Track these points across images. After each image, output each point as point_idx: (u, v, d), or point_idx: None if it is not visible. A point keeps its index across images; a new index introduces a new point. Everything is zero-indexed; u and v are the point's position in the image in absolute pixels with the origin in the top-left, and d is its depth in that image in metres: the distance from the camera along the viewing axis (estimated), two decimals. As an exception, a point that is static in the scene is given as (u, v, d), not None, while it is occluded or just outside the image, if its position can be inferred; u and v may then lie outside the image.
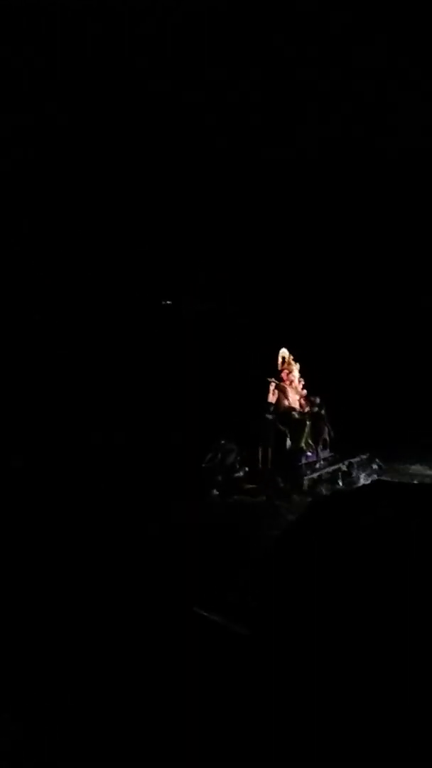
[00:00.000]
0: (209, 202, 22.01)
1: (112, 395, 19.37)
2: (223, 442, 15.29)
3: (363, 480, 15.03)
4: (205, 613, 7.46)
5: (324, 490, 14.39)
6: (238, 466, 15.03)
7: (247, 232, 22.57)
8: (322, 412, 16.46)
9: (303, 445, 15.75)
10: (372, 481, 13.13)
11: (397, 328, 22.18)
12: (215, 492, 14.22)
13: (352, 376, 21.05)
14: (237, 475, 14.95)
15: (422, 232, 22.17)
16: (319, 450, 16.22)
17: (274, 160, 21.26)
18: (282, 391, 16.12)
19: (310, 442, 16.08)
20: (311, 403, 16.49)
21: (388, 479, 14.40)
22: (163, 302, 21.95)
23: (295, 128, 20.81)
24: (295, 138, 20.96)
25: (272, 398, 15.87)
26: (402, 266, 22.54)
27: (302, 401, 16.47)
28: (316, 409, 16.35)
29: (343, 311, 22.79)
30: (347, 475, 15.52)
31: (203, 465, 14.82)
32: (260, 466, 15.14)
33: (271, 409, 15.63)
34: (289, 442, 15.43)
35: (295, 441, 15.65)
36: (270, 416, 15.54)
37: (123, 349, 20.47)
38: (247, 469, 15.01)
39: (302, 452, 15.59)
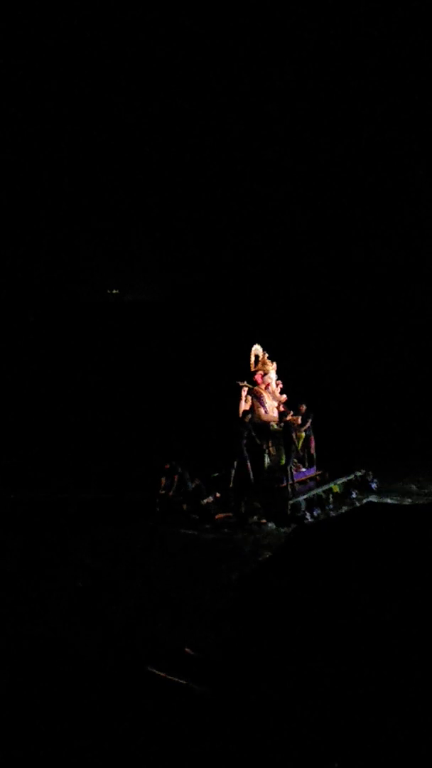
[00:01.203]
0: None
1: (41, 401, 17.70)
2: (173, 463, 13.92)
3: (357, 502, 13.69)
4: (160, 673, 6.75)
5: (310, 515, 12.81)
6: (204, 491, 13.53)
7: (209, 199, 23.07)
8: (308, 422, 14.89)
9: (284, 462, 14.01)
10: (365, 504, 11.46)
11: (397, 322, 21.52)
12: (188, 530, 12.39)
13: (342, 377, 19.74)
14: (206, 501, 13.43)
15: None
16: (303, 468, 14.70)
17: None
18: (257, 398, 14.43)
19: (293, 459, 14.26)
20: (293, 412, 14.79)
21: (385, 501, 13.59)
22: (109, 291, 20.32)
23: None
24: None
25: (245, 406, 14.17)
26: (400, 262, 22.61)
27: (282, 409, 14.75)
28: (299, 418, 14.68)
29: (331, 299, 22.12)
30: (341, 497, 14.19)
31: (161, 492, 13.39)
32: (231, 488, 13.44)
33: (246, 419, 13.77)
34: (267, 460, 13.84)
35: (275, 457, 14.06)
36: (242, 428, 13.68)
37: (52, 345, 18.77)
38: (217, 494, 13.54)
39: (284, 471, 13.87)
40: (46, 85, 21.34)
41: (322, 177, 22.54)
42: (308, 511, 12.80)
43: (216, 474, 14.19)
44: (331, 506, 13.48)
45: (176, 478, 13.54)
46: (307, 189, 22.84)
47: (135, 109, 22.24)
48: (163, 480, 13.54)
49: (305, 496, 13.25)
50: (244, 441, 13.47)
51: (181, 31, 20.70)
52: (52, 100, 21.54)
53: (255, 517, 12.80)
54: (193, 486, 13.58)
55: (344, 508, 13.06)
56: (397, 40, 20.34)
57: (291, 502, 12.83)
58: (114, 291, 21.11)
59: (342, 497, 14.19)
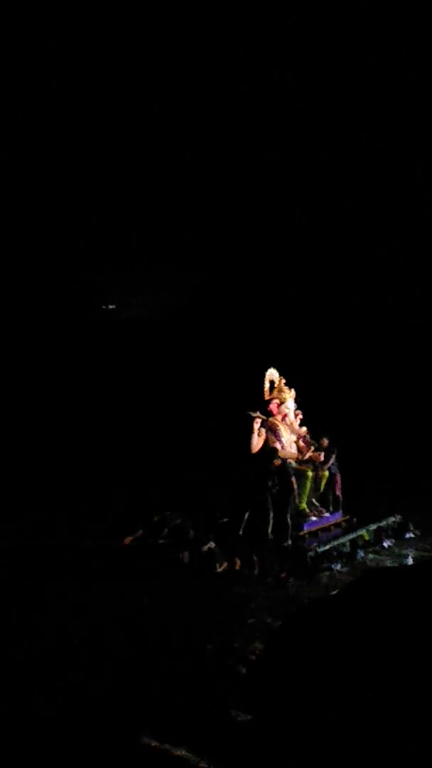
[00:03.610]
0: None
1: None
2: (168, 513, 13.97)
3: (394, 552, 13.50)
4: (161, 745, 6.64)
5: (337, 568, 12.50)
6: (207, 539, 13.21)
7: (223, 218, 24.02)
8: (332, 459, 14.60)
9: (305, 505, 13.92)
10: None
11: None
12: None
13: (373, 406, 19.51)
14: (207, 547, 13.10)
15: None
16: (326, 512, 14.41)
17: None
18: (272, 431, 14.09)
19: (314, 501, 14.33)
20: (315, 447, 14.59)
21: (422, 553, 13.31)
22: (104, 306, 20.35)
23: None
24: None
25: (258, 441, 13.81)
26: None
27: (301, 444, 14.53)
28: (321, 454, 14.46)
29: (358, 313, 22.40)
30: (372, 546, 13.91)
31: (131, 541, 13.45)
32: (242, 535, 13.26)
33: (275, 463, 13.50)
34: (291, 502, 13.44)
35: (294, 500, 13.62)
36: (266, 475, 13.48)
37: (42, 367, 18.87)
38: (213, 544, 13.13)
39: (304, 516, 13.76)
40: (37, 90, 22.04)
41: (328, 189, 23.86)
42: (331, 564, 12.54)
43: (224, 520, 13.90)
44: (360, 557, 13.18)
45: (166, 529, 13.51)
46: (311, 197, 24.10)
47: (135, 122, 23.06)
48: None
49: (328, 546, 13.03)
50: (269, 488, 13.23)
51: (181, 30, 21.91)
52: (46, 112, 22.24)
53: (271, 568, 12.49)
54: (194, 534, 13.38)
55: (370, 557, 12.98)
56: (397, 40, 21.47)
57: (311, 554, 12.56)
58: (111, 306, 21.02)
59: (373, 547, 13.85)
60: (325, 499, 14.58)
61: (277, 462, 13.30)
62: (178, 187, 23.46)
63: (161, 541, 13.35)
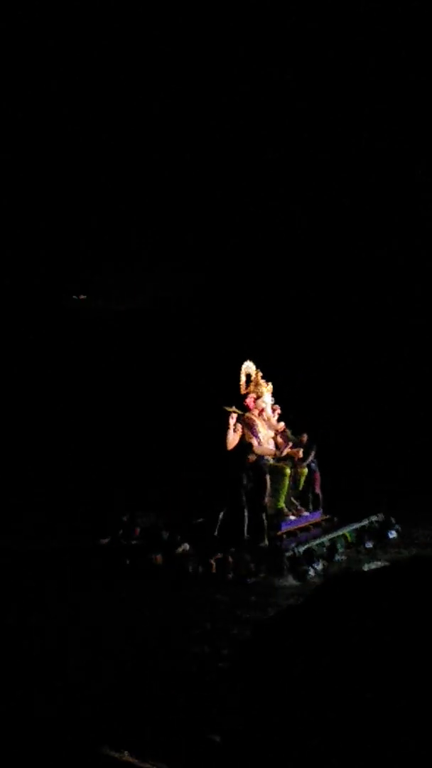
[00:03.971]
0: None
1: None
2: (137, 512, 13.88)
3: (378, 554, 13.33)
4: (122, 757, 6.26)
5: (314, 570, 12.18)
6: (179, 538, 13.03)
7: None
8: (311, 455, 14.39)
9: (283, 504, 13.61)
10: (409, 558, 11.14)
11: (425, 332, 21.64)
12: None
13: (355, 400, 19.40)
14: (181, 550, 12.91)
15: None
16: (305, 512, 14.17)
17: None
18: (248, 426, 13.81)
19: (293, 500, 14.03)
20: (294, 443, 14.36)
21: (404, 553, 13.08)
22: (75, 296, 20.18)
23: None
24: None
25: (233, 437, 13.48)
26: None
27: (279, 440, 14.31)
28: (300, 450, 14.21)
29: (337, 307, 22.24)
30: (354, 546, 13.76)
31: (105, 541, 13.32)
32: (216, 536, 13.06)
33: (249, 459, 13.37)
34: (265, 500, 13.20)
35: (272, 498, 13.44)
36: (240, 471, 13.30)
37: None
38: (187, 546, 12.98)
39: (282, 515, 13.48)
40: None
41: (328, 189, 24.18)
42: (310, 565, 12.21)
43: (200, 520, 13.71)
44: (339, 557, 12.94)
45: (137, 530, 13.34)
46: (311, 197, 24.41)
47: (133, 112, 23.46)
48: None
49: (306, 547, 12.72)
50: (245, 485, 13.07)
51: (181, 30, 22.21)
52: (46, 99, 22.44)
53: (245, 570, 12.16)
54: (168, 535, 13.14)
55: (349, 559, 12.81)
56: (397, 40, 21.82)
57: (288, 554, 12.27)
58: (81, 297, 20.81)
59: (355, 547, 13.70)
60: (305, 498, 14.35)
61: (252, 458, 13.10)
62: (168, 169, 23.88)
63: (133, 542, 13.12)
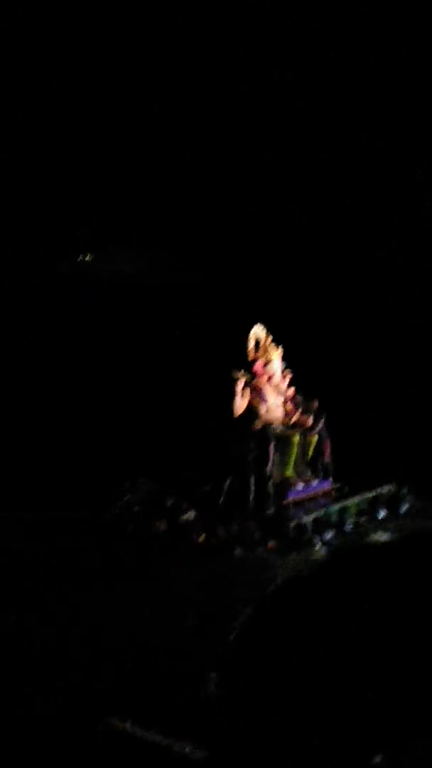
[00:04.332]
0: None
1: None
2: (140, 480, 13.74)
3: (388, 525, 13.35)
4: (131, 729, 6.49)
5: (322, 541, 12.28)
6: (184, 507, 12.98)
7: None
8: (321, 423, 14.23)
9: (291, 472, 13.61)
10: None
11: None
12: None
13: (367, 365, 19.16)
14: (185, 518, 12.87)
15: None
16: (314, 480, 14.02)
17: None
18: (257, 392, 13.74)
19: (301, 468, 13.92)
20: (303, 410, 14.21)
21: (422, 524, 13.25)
22: (80, 258, 20.50)
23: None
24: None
25: (240, 403, 13.49)
26: None
27: (289, 407, 14.15)
28: (309, 418, 14.08)
29: (353, 267, 22.59)
30: (365, 515, 13.68)
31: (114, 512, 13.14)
32: (222, 504, 13.09)
33: (254, 426, 13.40)
34: (269, 469, 13.19)
35: (279, 467, 13.48)
36: (247, 438, 13.37)
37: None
38: (192, 513, 12.95)
39: (289, 484, 13.41)
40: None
41: (328, 189, 24.56)
42: (318, 534, 12.33)
43: (206, 488, 13.65)
44: (348, 527, 12.95)
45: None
46: (311, 197, 24.76)
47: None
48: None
49: (313, 516, 12.80)
50: (251, 454, 13.13)
51: (181, 30, 22.86)
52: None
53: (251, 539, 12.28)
54: (172, 502, 13.10)
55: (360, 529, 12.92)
56: (397, 40, 22.34)
57: (293, 523, 12.36)
58: (87, 258, 20.71)
59: (366, 516, 13.63)
60: (314, 467, 14.18)
61: (257, 425, 13.06)
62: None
63: (135, 509, 13.08)
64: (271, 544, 11.98)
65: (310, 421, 13.99)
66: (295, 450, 13.53)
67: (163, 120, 23.93)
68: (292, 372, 14.44)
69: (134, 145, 23.56)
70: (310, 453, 14.08)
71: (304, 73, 23.23)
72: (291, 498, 13.13)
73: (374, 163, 23.44)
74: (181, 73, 23.51)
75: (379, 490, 14.28)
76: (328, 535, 12.41)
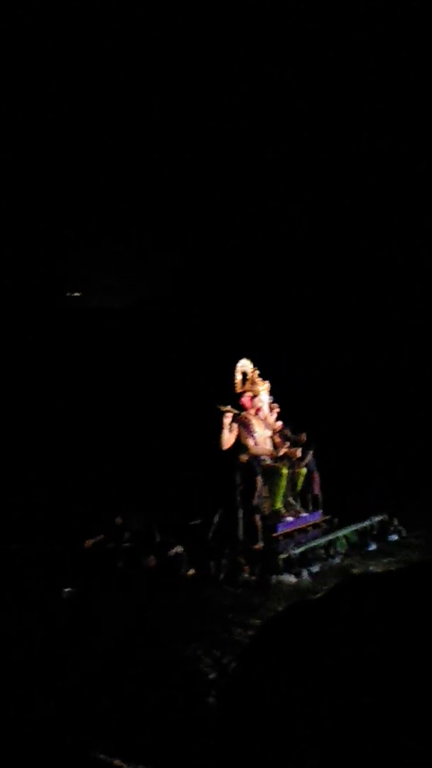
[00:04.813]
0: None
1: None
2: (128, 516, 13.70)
3: (379, 557, 13.20)
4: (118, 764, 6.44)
5: (309, 572, 12.27)
6: (172, 540, 13.07)
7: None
8: (309, 455, 14.52)
9: (280, 505, 13.68)
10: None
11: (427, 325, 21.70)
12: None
13: (356, 396, 19.46)
14: (174, 552, 12.87)
15: None
16: (304, 512, 14.24)
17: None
18: (244, 425, 13.96)
19: (291, 501, 14.13)
20: (292, 442, 14.50)
21: (408, 556, 12.99)
22: (68, 294, 20.42)
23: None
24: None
25: (229, 437, 13.67)
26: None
27: (276, 439, 14.42)
28: (298, 450, 14.32)
29: (335, 299, 22.59)
30: (355, 548, 13.80)
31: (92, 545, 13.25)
32: (211, 538, 13.18)
33: (242, 459, 13.50)
34: (257, 501, 13.21)
35: (268, 499, 13.58)
36: (236, 470, 13.45)
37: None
38: (180, 548, 12.92)
39: (279, 516, 13.52)
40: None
41: (328, 189, 24.85)
42: (305, 568, 12.34)
43: (196, 521, 13.84)
44: (337, 560, 13.02)
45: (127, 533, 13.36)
46: (311, 197, 25.08)
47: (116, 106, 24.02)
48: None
49: (302, 548, 12.85)
50: (239, 487, 13.18)
51: (181, 30, 22.93)
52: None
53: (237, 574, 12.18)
54: (161, 537, 13.24)
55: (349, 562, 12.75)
56: (397, 40, 22.47)
57: (282, 556, 12.35)
58: (75, 294, 20.89)
59: (357, 549, 13.77)
60: (304, 499, 14.48)
61: (244, 458, 13.22)
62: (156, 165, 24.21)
63: (125, 545, 13.17)
64: (258, 577, 11.93)
65: (299, 453, 14.19)
66: (284, 482, 13.58)
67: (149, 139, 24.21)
68: (279, 405, 14.69)
69: (132, 183, 23.74)
70: (300, 485, 14.28)
71: (304, 73, 23.45)
72: (281, 531, 13.19)
73: (374, 163, 23.76)
74: (177, 81, 23.81)
75: (369, 521, 14.47)
76: (316, 567, 12.44)
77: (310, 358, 19.27)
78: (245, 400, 14.25)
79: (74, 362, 19.20)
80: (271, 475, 13.51)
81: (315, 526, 14.13)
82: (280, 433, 14.47)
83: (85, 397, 18.14)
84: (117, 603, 11.02)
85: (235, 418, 13.81)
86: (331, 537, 13.64)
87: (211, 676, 8.18)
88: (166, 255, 23.38)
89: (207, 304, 21.77)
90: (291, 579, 11.93)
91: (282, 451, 14.15)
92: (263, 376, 14.58)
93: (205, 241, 24.06)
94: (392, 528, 14.59)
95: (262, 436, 14.07)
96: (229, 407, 13.79)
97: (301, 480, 14.29)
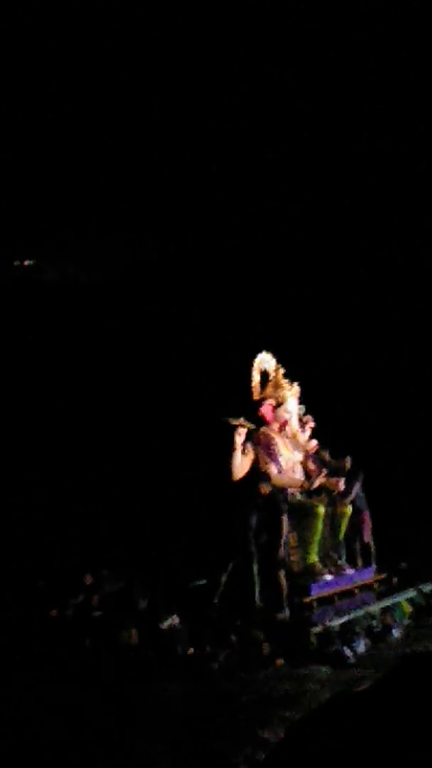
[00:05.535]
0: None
1: None
2: (105, 572, 12.27)
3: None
4: None
5: (354, 653, 10.12)
6: (162, 608, 11.41)
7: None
8: (356, 487, 12.60)
9: (315, 557, 11.74)
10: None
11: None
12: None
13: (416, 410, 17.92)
14: (168, 624, 11.00)
15: None
16: (348, 568, 12.31)
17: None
18: (264, 446, 11.84)
19: (330, 552, 12.23)
20: (332, 470, 12.52)
21: None
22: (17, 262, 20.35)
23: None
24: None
25: (242, 462, 11.50)
26: None
27: (310, 465, 12.35)
28: (341, 481, 12.30)
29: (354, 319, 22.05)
30: (421, 617, 11.93)
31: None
32: (217, 604, 11.22)
33: (262, 490, 11.33)
34: (282, 553, 11.26)
35: (299, 550, 11.62)
36: (247, 507, 11.43)
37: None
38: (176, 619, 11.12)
39: (314, 573, 11.56)
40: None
41: (328, 189, 24.97)
42: (347, 645, 10.28)
43: (202, 581, 12.14)
44: (394, 633, 10.95)
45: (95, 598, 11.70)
46: (311, 197, 25.25)
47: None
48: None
49: (346, 618, 11.00)
50: (257, 532, 11.34)
51: (181, 30, 23.25)
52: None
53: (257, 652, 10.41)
54: (146, 603, 11.53)
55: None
56: (397, 40, 22.84)
57: (317, 630, 10.45)
58: (27, 262, 20.79)
59: (423, 619, 11.80)
60: (350, 549, 12.71)
61: (265, 490, 11.36)
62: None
63: (96, 614, 11.45)
64: (280, 661, 10.08)
65: (342, 485, 12.29)
66: (320, 526, 11.63)
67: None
68: (314, 418, 12.89)
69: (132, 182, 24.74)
70: (343, 530, 12.43)
71: (304, 73, 24.26)
72: (315, 594, 11.32)
73: (374, 163, 24.37)
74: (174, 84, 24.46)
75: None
76: (360, 643, 10.43)
77: (352, 350, 18.75)
78: (265, 410, 12.16)
79: (20, 354, 18.01)
80: (301, 515, 11.64)
81: (365, 587, 12.40)
82: (314, 456, 12.56)
83: (30, 402, 16.87)
84: (70, 699, 8.89)
85: (251, 436, 11.76)
86: (387, 602, 11.95)
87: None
88: (153, 219, 23.67)
89: (205, 280, 21.00)
90: (329, 662, 10.10)
91: (318, 482, 12.13)
92: (292, 377, 12.51)
93: (202, 229, 24.30)
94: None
95: (290, 461, 12.03)
96: (242, 420, 11.62)
97: (344, 522, 12.36)
